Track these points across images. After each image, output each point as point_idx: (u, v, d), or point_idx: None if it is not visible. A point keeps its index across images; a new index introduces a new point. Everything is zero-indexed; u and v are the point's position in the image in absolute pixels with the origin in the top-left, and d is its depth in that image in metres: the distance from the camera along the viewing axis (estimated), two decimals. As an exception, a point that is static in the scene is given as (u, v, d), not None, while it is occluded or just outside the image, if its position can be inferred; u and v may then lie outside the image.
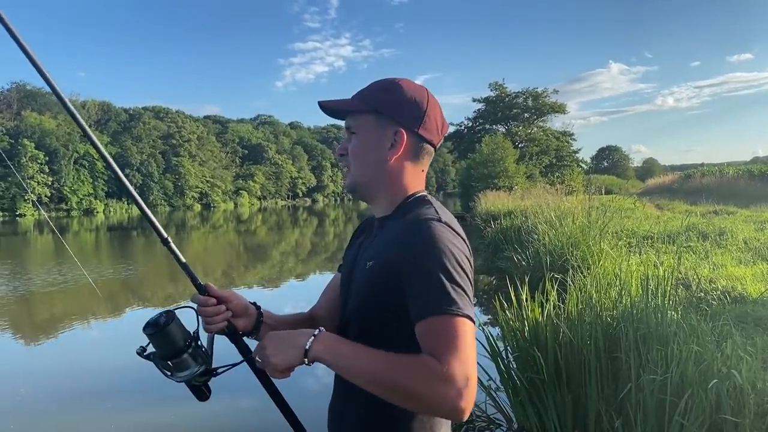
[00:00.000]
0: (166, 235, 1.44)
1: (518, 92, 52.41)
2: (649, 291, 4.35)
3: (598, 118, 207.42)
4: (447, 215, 1.43)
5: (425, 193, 1.53)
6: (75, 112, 1.39)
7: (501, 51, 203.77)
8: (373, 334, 1.37)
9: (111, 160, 1.46)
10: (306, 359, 1.29)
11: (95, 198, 69.05)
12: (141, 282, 15.61)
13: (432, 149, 1.53)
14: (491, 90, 52.90)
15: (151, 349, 1.44)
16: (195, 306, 1.49)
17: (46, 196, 63.48)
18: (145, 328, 1.42)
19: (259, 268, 19.44)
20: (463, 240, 1.40)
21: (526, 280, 5.09)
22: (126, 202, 72.06)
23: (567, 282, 5.46)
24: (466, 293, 1.29)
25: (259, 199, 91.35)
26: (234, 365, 1.46)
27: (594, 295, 4.72)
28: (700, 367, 3.48)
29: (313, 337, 1.29)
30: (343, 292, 1.59)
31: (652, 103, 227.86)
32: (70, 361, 8.32)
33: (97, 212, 67.10)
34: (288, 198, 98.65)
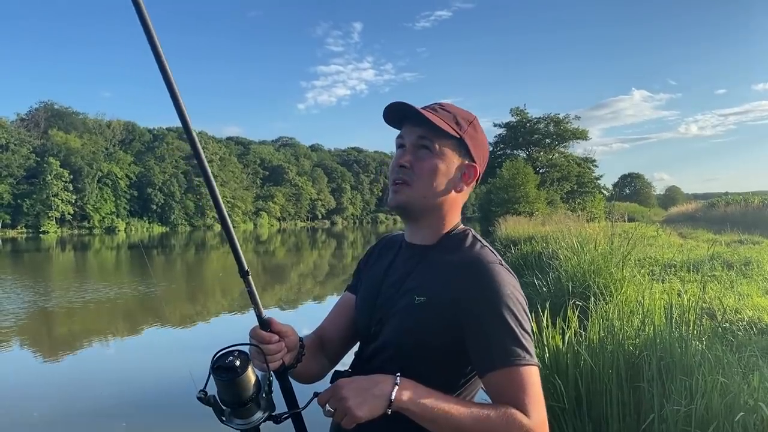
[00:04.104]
0: (246, 267, 1.33)
1: (540, 118, 52.33)
2: (673, 320, 4.27)
3: (620, 145, 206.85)
4: (499, 255, 1.44)
5: (463, 225, 1.53)
6: (201, 153, 1.27)
7: (523, 76, 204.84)
8: (410, 369, 1.32)
9: (218, 196, 1.31)
10: (389, 409, 1.22)
11: (117, 216, 69.96)
12: (164, 300, 15.64)
13: None
14: (512, 115, 52.90)
15: (210, 389, 1.26)
16: (255, 342, 1.35)
17: (69, 213, 64.42)
18: (216, 371, 1.25)
19: (277, 289, 19.46)
20: (517, 280, 1.40)
21: (547, 306, 5.03)
22: (147, 221, 72.86)
23: (588, 309, 5.39)
24: (532, 339, 1.32)
25: (279, 220, 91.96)
26: (297, 411, 1.35)
27: (616, 322, 4.64)
28: (725, 399, 3.39)
29: (396, 386, 1.24)
30: (364, 316, 1.53)
31: (675, 130, 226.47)
32: (95, 377, 8.35)
33: (119, 231, 67.92)
34: (307, 219, 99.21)
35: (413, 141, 1.45)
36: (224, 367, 1.25)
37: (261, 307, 1.36)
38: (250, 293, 1.34)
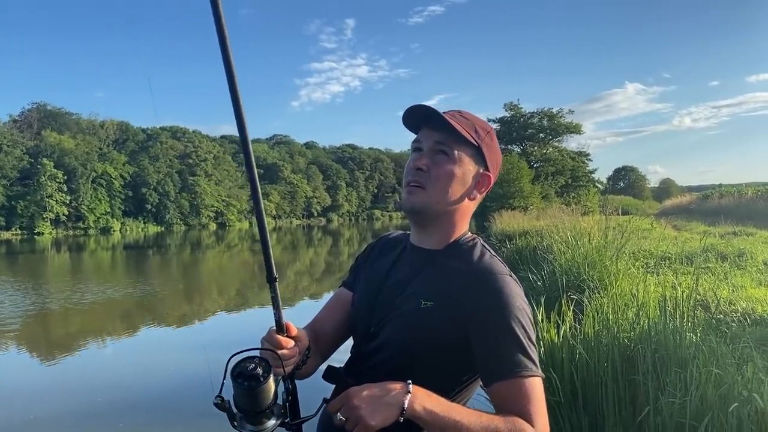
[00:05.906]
0: (275, 274, 1.34)
1: (533, 112, 52.46)
2: (667, 312, 4.29)
3: (614, 138, 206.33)
4: (507, 266, 1.47)
5: (470, 233, 1.55)
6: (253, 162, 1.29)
7: (516, 70, 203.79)
8: (409, 371, 1.34)
9: (261, 203, 1.31)
10: (402, 417, 1.23)
11: (112, 217, 69.65)
12: (159, 300, 15.61)
13: None
14: (506, 110, 53.05)
15: (227, 394, 1.22)
16: (270, 347, 1.33)
17: (64, 214, 64.14)
18: (236, 378, 1.20)
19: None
20: (523, 290, 1.43)
21: (542, 300, 5.06)
22: (142, 221, 72.55)
23: (583, 302, 5.41)
24: (537, 350, 1.35)
25: (274, 218, 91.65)
26: (309, 418, 1.35)
27: (611, 316, 4.66)
28: (720, 391, 3.41)
29: (409, 394, 1.24)
30: (363, 313, 1.54)
31: (669, 123, 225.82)
32: (93, 378, 8.34)
33: (114, 231, 67.62)
34: (303, 217, 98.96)
35: (431, 145, 1.45)
36: (246, 374, 1.20)
37: (281, 312, 1.36)
38: (274, 299, 1.35)
